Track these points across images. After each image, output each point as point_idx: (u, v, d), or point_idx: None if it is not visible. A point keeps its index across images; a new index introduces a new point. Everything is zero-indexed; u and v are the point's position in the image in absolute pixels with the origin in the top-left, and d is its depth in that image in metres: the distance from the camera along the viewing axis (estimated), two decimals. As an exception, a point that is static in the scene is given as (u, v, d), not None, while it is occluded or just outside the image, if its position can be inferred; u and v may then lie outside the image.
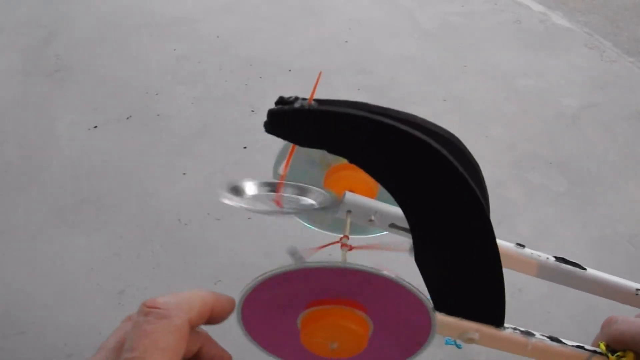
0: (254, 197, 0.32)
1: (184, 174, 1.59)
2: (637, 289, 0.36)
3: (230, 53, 2.13)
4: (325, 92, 0.25)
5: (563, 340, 0.31)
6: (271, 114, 0.25)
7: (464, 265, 0.29)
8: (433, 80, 2.01)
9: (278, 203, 0.31)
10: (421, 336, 0.30)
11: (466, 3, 2.55)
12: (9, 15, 2.41)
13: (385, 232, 0.40)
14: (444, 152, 0.24)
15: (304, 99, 0.25)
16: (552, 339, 0.31)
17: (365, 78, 1.98)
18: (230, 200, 0.30)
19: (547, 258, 0.34)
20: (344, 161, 0.40)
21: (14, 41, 2.23)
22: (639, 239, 1.41)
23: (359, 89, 1.92)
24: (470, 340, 0.31)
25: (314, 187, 0.35)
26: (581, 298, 1.22)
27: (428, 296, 0.28)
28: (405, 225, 0.37)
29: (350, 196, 0.36)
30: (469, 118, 1.80)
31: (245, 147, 1.67)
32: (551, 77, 2.04)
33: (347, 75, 1.99)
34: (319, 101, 0.25)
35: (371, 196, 0.38)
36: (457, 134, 0.27)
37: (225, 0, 2.50)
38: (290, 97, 0.25)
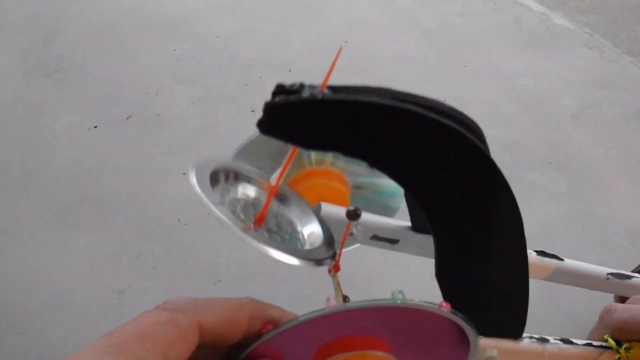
0: (232, 198, 0.26)
1: (184, 174, 1.58)
2: (608, 274, 0.36)
3: (230, 53, 2.13)
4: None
5: (574, 341, 0.31)
6: (270, 108, 0.19)
7: (492, 276, 0.25)
8: (433, 80, 2.01)
9: (259, 220, 0.25)
10: None
11: (466, 3, 2.55)
12: (9, 15, 2.41)
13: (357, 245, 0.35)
14: (486, 150, 0.21)
15: (313, 86, 0.20)
16: (564, 341, 0.30)
17: (365, 78, 1.98)
18: (199, 188, 0.24)
19: (530, 253, 0.34)
20: (306, 168, 0.37)
21: (14, 41, 2.23)
22: (639, 239, 1.41)
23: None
24: (489, 359, 0.28)
25: (321, 223, 0.28)
26: (580, 298, 1.22)
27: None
28: (389, 235, 0.34)
29: (326, 208, 0.31)
30: (469, 118, 1.80)
31: (245, 147, 1.66)
32: (551, 77, 2.04)
33: (347, 75, 1.99)
34: (332, 88, 0.20)
35: (345, 204, 0.34)
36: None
37: (225, 0, 2.50)
38: (294, 84, 0.19)
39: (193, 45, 2.18)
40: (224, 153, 0.27)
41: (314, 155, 0.38)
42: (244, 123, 1.78)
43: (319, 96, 0.19)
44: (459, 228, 0.23)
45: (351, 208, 0.26)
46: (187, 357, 0.19)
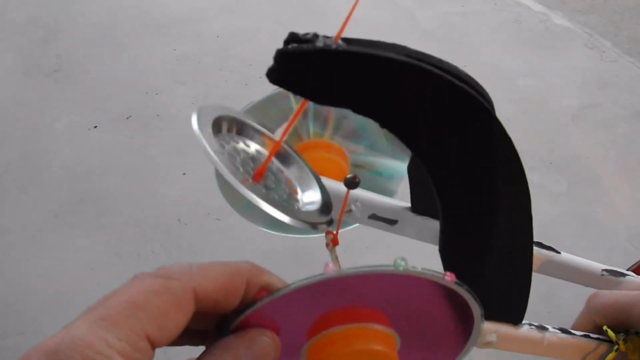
0: (232, 149, 0.25)
1: (184, 174, 1.58)
2: (603, 270, 0.36)
3: (230, 53, 2.13)
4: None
5: (572, 331, 0.30)
6: (282, 55, 0.19)
7: (496, 255, 0.25)
8: (433, 80, 2.00)
9: (258, 175, 0.24)
10: (455, 344, 0.24)
11: (466, 3, 2.55)
12: (9, 15, 2.41)
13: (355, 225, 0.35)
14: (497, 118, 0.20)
15: (327, 37, 0.19)
16: (563, 331, 0.30)
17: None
18: (201, 133, 0.22)
19: None
20: (304, 141, 0.37)
21: (14, 41, 2.23)
22: (639, 239, 1.41)
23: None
24: (487, 345, 0.27)
25: (320, 188, 0.27)
26: (580, 298, 1.22)
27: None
28: (387, 215, 0.33)
29: (325, 182, 0.30)
30: (469, 118, 1.80)
31: (245, 147, 1.66)
32: (551, 77, 2.04)
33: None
34: (347, 40, 0.19)
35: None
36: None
37: (225, 0, 2.50)
38: (307, 34, 0.19)
39: (193, 45, 2.18)
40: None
41: (312, 128, 0.37)
42: (244, 123, 1.78)
43: (333, 47, 0.18)
44: (466, 197, 0.23)
45: (349, 175, 0.25)
46: (183, 326, 0.18)
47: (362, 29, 2.31)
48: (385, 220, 0.33)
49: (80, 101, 1.90)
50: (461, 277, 0.22)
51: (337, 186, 0.31)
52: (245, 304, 0.20)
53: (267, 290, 0.20)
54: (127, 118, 1.81)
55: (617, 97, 1.94)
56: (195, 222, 1.44)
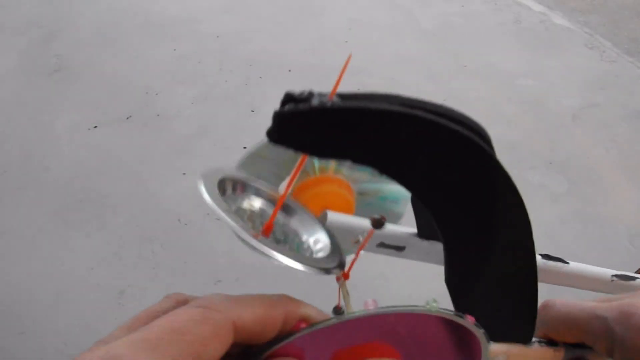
0: (238, 208, 0.26)
1: (184, 174, 1.58)
2: (613, 275, 0.36)
3: (230, 53, 2.13)
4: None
5: (584, 345, 0.30)
6: (280, 117, 0.19)
7: (501, 280, 0.25)
8: (433, 80, 2.00)
9: (266, 230, 0.25)
10: None
11: (466, 3, 2.55)
12: (9, 15, 2.41)
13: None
14: (494, 155, 0.21)
15: (322, 94, 0.19)
16: (574, 345, 0.29)
17: (365, 78, 1.98)
18: (208, 196, 0.23)
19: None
20: (310, 176, 0.37)
21: (14, 41, 2.23)
22: (639, 239, 1.41)
23: (358, 89, 1.92)
24: None
25: (327, 233, 0.28)
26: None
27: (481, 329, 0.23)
28: (395, 242, 0.34)
29: (333, 216, 0.31)
30: (469, 118, 1.80)
31: (245, 147, 1.66)
32: (551, 77, 2.04)
33: (346, 75, 1.96)
34: (341, 96, 0.20)
35: (350, 212, 0.34)
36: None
37: (225, 0, 2.50)
38: (303, 93, 0.19)
39: (193, 45, 2.18)
40: (225, 155, 0.27)
41: (317, 163, 0.38)
42: (244, 123, 1.78)
43: (328, 104, 0.19)
44: (468, 232, 0.23)
45: (377, 216, 0.26)
46: (220, 356, 0.18)
47: (363, 30, 2.31)
48: (393, 247, 0.33)
49: (80, 101, 1.90)
50: (468, 303, 0.22)
51: (343, 219, 0.31)
52: (282, 335, 0.20)
53: (305, 322, 0.21)
54: (127, 118, 1.81)
55: (617, 97, 1.94)
56: (195, 222, 1.44)
